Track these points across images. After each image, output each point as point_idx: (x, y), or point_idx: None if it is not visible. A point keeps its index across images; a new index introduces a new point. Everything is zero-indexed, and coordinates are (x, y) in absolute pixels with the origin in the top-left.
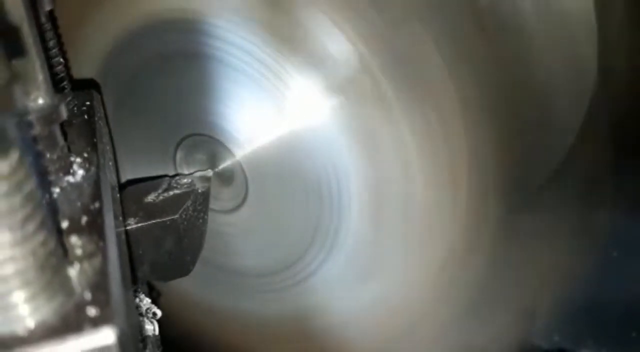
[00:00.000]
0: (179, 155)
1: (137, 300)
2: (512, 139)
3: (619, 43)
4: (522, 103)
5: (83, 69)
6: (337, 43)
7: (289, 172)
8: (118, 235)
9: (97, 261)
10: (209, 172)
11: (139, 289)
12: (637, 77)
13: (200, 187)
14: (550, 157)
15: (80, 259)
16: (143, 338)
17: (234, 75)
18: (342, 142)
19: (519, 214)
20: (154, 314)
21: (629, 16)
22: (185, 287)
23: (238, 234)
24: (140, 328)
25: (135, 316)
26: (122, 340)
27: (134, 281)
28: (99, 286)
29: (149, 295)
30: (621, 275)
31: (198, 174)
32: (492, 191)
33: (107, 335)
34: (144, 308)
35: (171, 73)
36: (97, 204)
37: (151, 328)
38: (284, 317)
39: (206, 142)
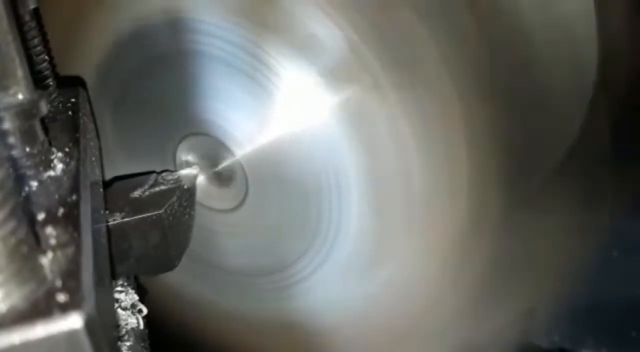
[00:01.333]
0: (179, 154)
1: (123, 294)
2: (512, 138)
3: (619, 43)
4: (522, 103)
5: (82, 70)
6: (332, 36)
7: (289, 172)
8: (97, 227)
9: (70, 250)
10: (196, 169)
11: (126, 284)
12: (637, 77)
13: (186, 183)
14: (550, 157)
15: (53, 249)
16: (126, 331)
17: (233, 74)
18: (342, 142)
19: (520, 213)
20: (140, 310)
21: (629, 16)
22: (182, 285)
23: (237, 234)
24: (116, 320)
25: (111, 306)
26: (89, 326)
27: (114, 274)
28: (70, 274)
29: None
30: (621, 275)
31: (185, 170)
32: (492, 189)
33: (75, 320)
34: (129, 302)
35: (169, 72)
36: (74, 197)
37: (134, 322)
38: (282, 316)
39: (206, 141)
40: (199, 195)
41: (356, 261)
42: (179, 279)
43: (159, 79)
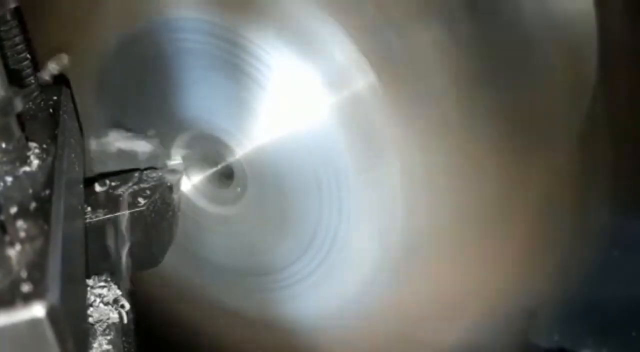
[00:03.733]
0: (178, 154)
1: (106, 289)
2: (512, 137)
3: (619, 43)
4: (522, 103)
5: (80, 75)
6: (333, 36)
7: (289, 172)
8: (69, 222)
9: (38, 243)
10: (180, 166)
11: (110, 279)
12: (637, 77)
13: (169, 180)
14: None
15: (22, 241)
16: (107, 326)
17: (234, 74)
18: (342, 141)
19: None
20: (122, 306)
21: (629, 16)
22: (180, 285)
23: (236, 234)
24: (87, 313)
25: (82, 299)
26: (52, 315)
27: (98, 270)
28: (36, 265)
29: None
30: (621, 275)
31: (168, 168)
32: (492, 188)
33: (37, 309)
34: (111, 297)
35: (166, 72)
36: (47, 192)
37: (116, 316)
38: (277, 317)
39: (206, 141)
40: (199, 194)
41: (355, 262)
42: (176, 279)
43: (152, 81)
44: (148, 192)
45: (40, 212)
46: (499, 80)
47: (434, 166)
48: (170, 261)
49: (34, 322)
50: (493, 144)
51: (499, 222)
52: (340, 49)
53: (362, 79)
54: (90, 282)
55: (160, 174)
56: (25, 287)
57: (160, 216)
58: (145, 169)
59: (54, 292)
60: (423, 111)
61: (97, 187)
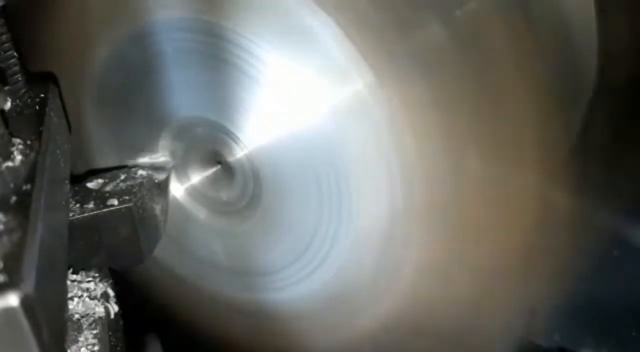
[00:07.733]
0: (178, 153)
1: (93, 283)
2: (512, 138)
3: (619, 44)
4: (522, 103)
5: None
6: (332, 35)
7: (288, 172)
8: (50, 216)
9: (16, 235)
10: (168, 163)
11: (97, 275)
12: (637, 78)
13: (157, 177)
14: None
15: (0, 234)
16: (94, 320)
17: (233, 74)
18: (342, 141)
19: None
20: (109, 301)
21: (629, 17)
22: (180, 283)
23: (234, 233)
24: (66, 305)
25: (61, 291)
26: (27, 305)
27: (86, 266)
28: (12, 256)
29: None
30: (621, 275)
31: (156, 165)
32: (492, 189)
33: (12, 299)
34: (98, 292)
35: (166, 72)
36: (28, 186)
37: (102, 311)
38: (275, 317)
39: (204, 141)
40: (198, 194)
41: (354, 263)
42: (171, 278)
43: (149, 81)
44: (137, 188)
45: (20, 206)
46: (499, 78)
47: (435, 166)
48: (167, 259)
49: (8, 311)
50: (494, 143)
51: (498, 225)
52: (340, 48)
53: (362, 78)
54: (78, 277)
55: (148, 171)
56: (0, 278)
57: (148, 213)
58: (133, 166)
59: (28, 282)
60: (423, 111)
61: (87, 184)
